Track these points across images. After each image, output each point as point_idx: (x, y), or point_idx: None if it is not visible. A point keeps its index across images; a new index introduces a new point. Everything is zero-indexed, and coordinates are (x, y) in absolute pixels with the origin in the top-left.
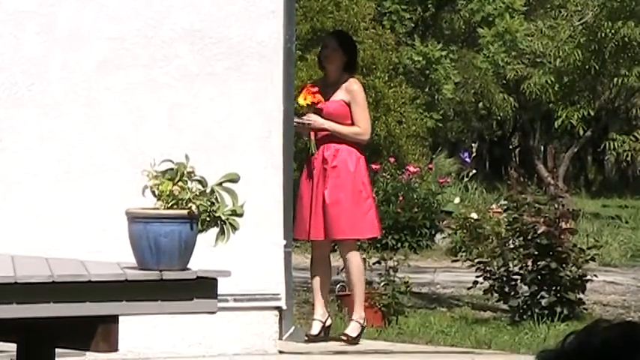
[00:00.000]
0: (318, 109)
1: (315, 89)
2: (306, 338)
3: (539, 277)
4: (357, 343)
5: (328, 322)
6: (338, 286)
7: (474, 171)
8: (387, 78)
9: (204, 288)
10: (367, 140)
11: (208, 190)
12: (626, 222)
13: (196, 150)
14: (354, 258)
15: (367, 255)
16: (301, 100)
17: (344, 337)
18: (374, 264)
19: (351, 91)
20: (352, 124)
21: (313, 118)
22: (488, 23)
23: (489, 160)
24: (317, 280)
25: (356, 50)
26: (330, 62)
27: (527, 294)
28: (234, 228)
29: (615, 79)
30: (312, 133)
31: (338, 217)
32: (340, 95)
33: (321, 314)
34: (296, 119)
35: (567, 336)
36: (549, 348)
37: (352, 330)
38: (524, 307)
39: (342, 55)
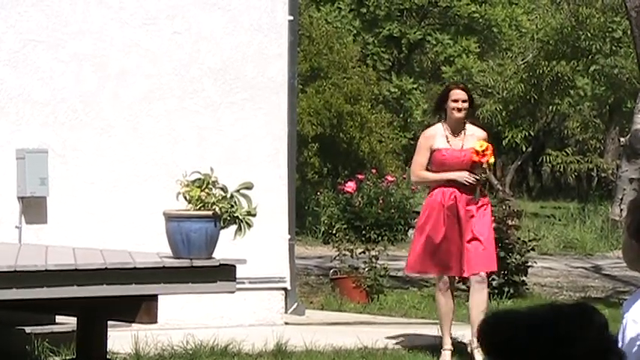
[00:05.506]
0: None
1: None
2: None
3: None
4: None
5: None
6: (332, 271)
7: None
8: (369, 106)
9: (225, 273)
10: None
11: (229, 196)
12: (559, 220)
13: (219, 164)
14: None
15: (354, 246)
16: (491, 160)
17: None
18: (360, 253)
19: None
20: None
21: (489, 174)
22: (450, 62)
23: None
24: (450, 313)
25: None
26: (460, 112)
27: None
28: (249, 225)
29: (550, 107)
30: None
31: (489, 252)
32: (473, 143)
33: (450, 344)
34: (473, 176)
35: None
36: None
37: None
38: None
39: (469, 106)
